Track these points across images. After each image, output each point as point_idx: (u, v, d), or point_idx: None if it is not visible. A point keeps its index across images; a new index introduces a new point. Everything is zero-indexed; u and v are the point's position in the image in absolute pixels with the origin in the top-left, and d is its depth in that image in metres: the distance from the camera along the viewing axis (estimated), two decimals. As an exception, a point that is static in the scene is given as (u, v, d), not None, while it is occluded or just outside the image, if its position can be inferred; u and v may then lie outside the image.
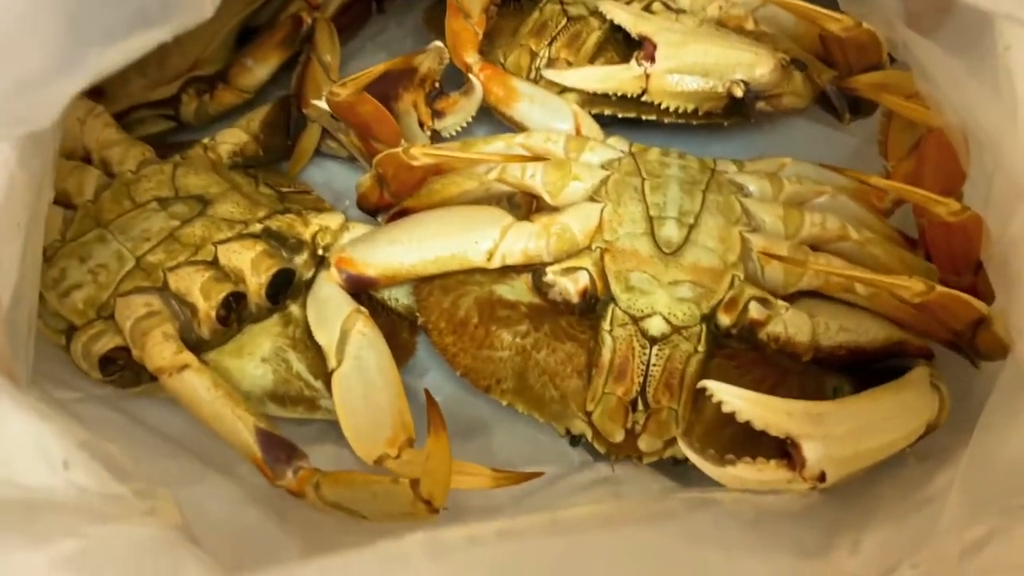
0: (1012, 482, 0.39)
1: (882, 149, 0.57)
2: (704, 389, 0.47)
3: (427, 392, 0.43)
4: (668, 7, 0.60)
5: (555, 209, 0.51)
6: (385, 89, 0.56)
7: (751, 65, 0.54)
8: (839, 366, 0.50)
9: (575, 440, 0.49)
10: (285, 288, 0.50)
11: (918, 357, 0.49)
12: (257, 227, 0.51)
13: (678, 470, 0.49)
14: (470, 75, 0.58)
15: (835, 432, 0.42)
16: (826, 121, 0.63)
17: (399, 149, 0.49)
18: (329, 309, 0.49)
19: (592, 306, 0.48)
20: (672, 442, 0.47)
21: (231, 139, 0.58)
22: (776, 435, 0.42)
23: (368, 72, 0.50)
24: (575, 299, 0.48)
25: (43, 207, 0.42)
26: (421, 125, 0.59)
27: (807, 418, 0.42)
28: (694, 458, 0.43)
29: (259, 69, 0.63)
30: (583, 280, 0.48)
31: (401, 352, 0.53)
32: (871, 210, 0.55)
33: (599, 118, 0.59)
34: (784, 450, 0.42)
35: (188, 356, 0.45)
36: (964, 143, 0.49)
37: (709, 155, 0.58)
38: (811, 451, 0.41)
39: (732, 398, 0.42)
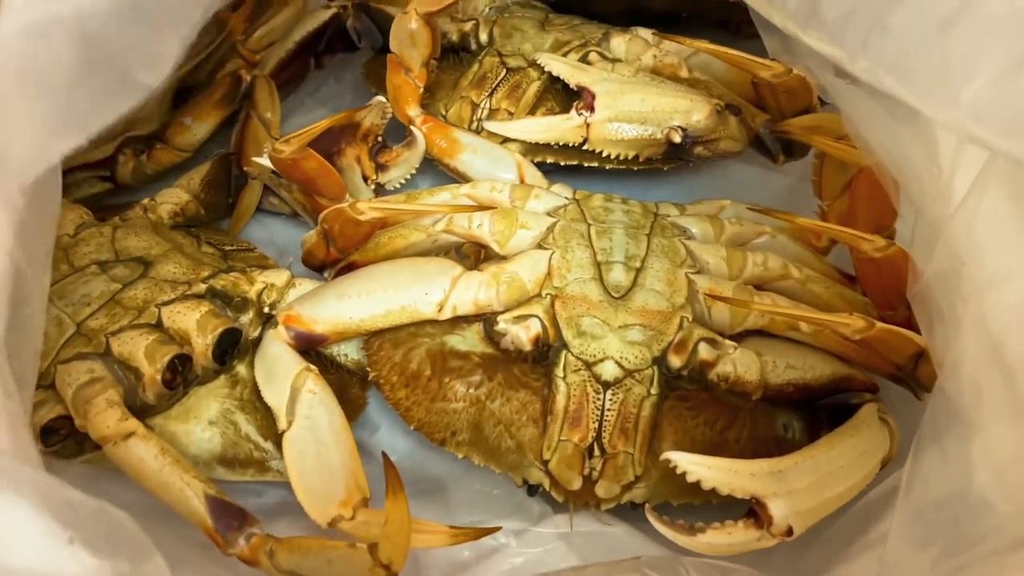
0: (949, 516, 0.39)
1: (816, 189, 0.58)
2: (658, 429, 0.48)
3: (384, 454, 0.42)
4: (604, 57, 0.62)
5: (504, 258, 0.52)
6: (328, 144, 0.56)
7: (688, 111, 0.55)
8: (787, 402, 0.51)
9: (533, 490, 0.49)
10: (232, 348, 0.49)
11: (864, 391, 0.51)
12: (201, 287, 0.50)
13: (637, 513, 0.49)
14: (412, 128, 0.59)
15: (798, 486, 0.42)
16: (760, 162, 0.64)
17: (345, 204, 0.49)
18: (277, 368, 0.48)
19: (545, 353, 0.48)
20: (629, 487, 0.47)
21: (172, 199, 0.58)
22: (741, 497, 0.42)
23: (311, 128, 0.50)
24: (528, 347, 0.48)
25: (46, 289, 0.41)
26: (365, 179, 0.59)
27: (770, 477, 0.42)
28: (664, 530, 0.43)
29: (198, 128, 0.63)
30: (535, 327, 0.48)
31: (352, 408, 0.52)
32: (809, 249, 0.56)
33: (541, 165, 0.60)
34: (750, 509, 0.43)
35: (133, 423, 0.44)
36: (893, 182, 0.51)
37: (650, 199, 0.59)
38: (777, 508, 0.42)
39: (696, 467, 0.42)
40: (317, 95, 0.72)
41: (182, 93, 0.67)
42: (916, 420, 0.48)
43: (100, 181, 0.63)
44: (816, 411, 0.51)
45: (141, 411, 0.47)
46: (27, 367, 0.40)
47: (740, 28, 0.73)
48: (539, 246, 0.52)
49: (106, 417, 0.44)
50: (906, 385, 0.50)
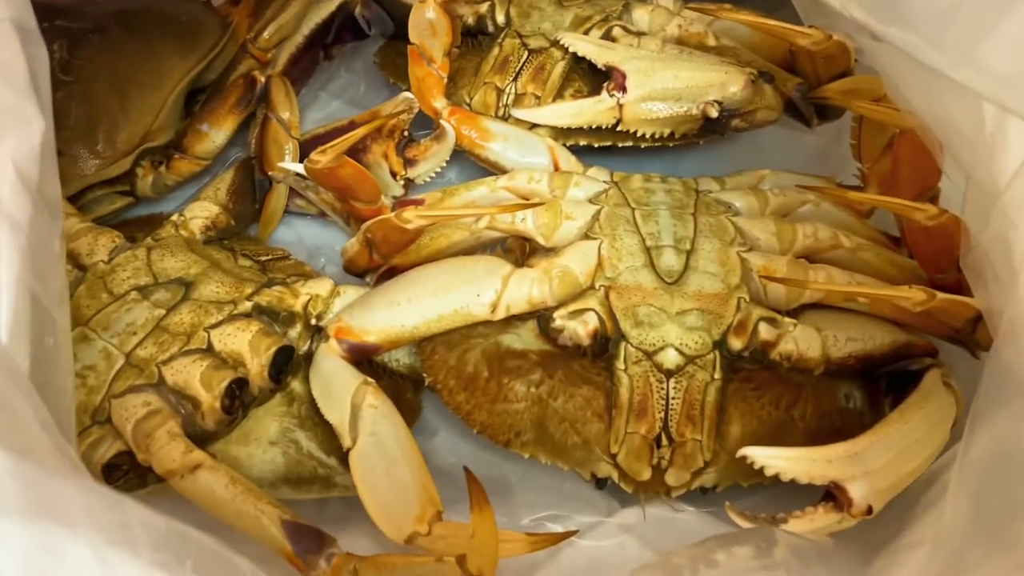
0: (1006, 479, 0.39)
1: (855, 152, 0.57)
2: (724, 413, 0.47)
3: (467, 470, 0.41)
4: (627, 30, 0.60)
5: (550, 251, 0.51)
6: (354, 144, 0.54)
7: (723, 84, 0.54)
8: (847, 372, 0.50)
9: (601, 483, 0.48)
10: (287, 366, 0.48)
11: (924, 356, 0.50)
12: (247, 305, 0.49)
13: (706, 497, 0.49)
14: (440, 121, 0.57)
15: (875, 466, 0.42)
16: (789, 124, 0.63)
17: (391, 215, 0.47)
18: (335, 384, 0.47)
19: (604, 346, 0.48)
20: (699, 473, 0.47)
21: (201, 213, 0.56)
22: (821, 484, 0.42)
23: (347, 137, 0.48)
24: (586, 341, 0.47)
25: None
26: (393, 174, 0.58)
27: (847, 460, 0.42)
28: (747, 525, 0.42)
29: (216, 134, 0.61)
30: (592, 321, 0.47)
31: (408, 413, 0.51)
32: (853, 213, 0.55)
33: (572, 148, 0.59)
34: (827, 492, 0.43)
35: (199, 455, 0.43)
36: (937, 143, 0.50)
37: (681, 171, 0.58)
38: (857, 491, 0.42)
39: (773, 460, 0.42)
40: (330, 88, 0.70)
41: (191, 95, 0.65)
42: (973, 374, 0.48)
43: (120, 196, 0.61)
44: (875, 378, 0.51)
45: (201, 439, 0.46)
46: (61, 402, 0.38)
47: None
48: (586, 236, 0.51)
49: (170, 450, 0.43)
50: (963, 345, 0.50)
